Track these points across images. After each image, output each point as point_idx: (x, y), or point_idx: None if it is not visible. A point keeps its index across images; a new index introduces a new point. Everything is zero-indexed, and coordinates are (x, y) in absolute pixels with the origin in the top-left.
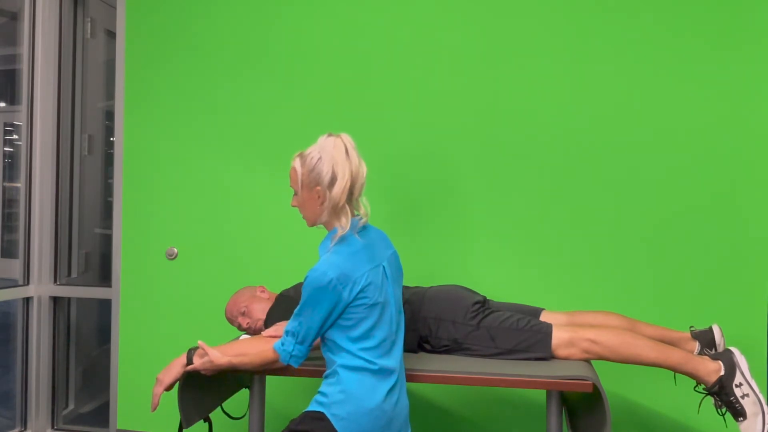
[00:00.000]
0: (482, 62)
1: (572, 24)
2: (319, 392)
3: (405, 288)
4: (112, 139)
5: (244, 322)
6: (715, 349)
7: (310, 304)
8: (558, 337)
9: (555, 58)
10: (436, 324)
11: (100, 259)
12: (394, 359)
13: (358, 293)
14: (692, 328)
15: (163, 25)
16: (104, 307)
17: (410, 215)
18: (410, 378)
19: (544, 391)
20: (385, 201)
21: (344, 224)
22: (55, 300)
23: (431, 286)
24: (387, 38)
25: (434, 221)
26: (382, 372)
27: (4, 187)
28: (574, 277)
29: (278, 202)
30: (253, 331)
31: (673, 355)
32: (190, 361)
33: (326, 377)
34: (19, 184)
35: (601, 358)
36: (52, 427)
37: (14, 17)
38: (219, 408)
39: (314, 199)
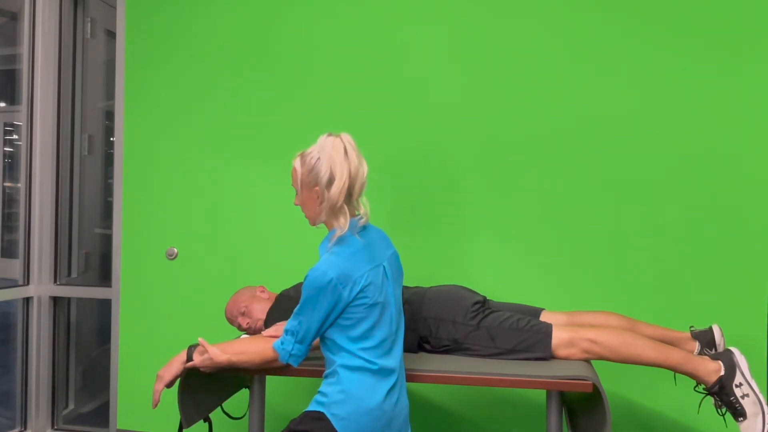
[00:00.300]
0: (482, 62)
1: (572, 24)
2: (318, 392)
3: (405, 288)
4: (112, 139)
5: (244, 322)
6: (715, 349)
7: (309, 304)
8: (558, 337)
9: (555, 58)
10: (436, 324)
11: (100, 259)
12: (394, 359)
13: (358, 293)
14: (692, 328)
15: (163, 25)
16: (104, 307)
17: (410, 215)
18: (410, 378)
19: (544, 391)
20: (385, 201)
21: (342, 224)
22: (55, 300)
23: (431, 286)
24: (387, 38)
25: (434, 221)
26: (382, 372)
27: (4, 187)
28: (574, 277)
29: (278, 202)
30: (253, 331)
31: (673, 355)
32: (190, 358)
33: (326, 377)
34: (19, 184)
35: (601, 358)
36: (52, 427)
37: (14, 17)
38: (219, 408)
39: (314, 198)
